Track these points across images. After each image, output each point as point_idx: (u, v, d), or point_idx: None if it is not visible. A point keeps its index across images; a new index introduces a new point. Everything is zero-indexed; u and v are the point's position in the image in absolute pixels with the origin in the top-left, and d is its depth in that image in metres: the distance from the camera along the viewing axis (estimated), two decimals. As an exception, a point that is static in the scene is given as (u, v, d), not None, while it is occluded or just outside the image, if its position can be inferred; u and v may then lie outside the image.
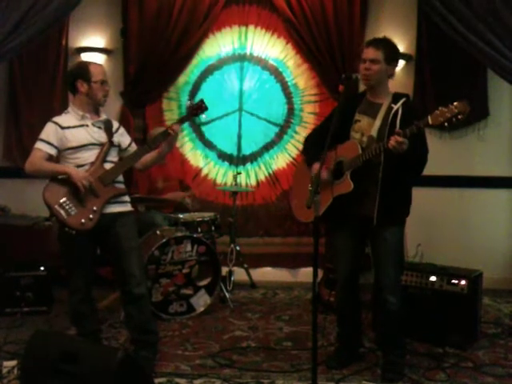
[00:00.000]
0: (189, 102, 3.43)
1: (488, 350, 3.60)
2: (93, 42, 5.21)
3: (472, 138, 5.08)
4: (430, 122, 2.78)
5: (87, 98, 3.15)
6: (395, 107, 3.06)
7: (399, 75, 5.07)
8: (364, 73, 3.08)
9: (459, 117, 2.73)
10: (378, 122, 3.07)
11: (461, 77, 4.92)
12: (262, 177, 5.33)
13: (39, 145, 3.09)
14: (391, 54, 3.11)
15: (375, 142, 3.01)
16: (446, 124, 2.75)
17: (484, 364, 3.38)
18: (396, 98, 3.11)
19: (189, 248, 4.23)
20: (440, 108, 2.76)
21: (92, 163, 3.11)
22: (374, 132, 3.07)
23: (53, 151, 3.10)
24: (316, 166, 3.12)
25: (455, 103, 2.73)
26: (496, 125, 5.05)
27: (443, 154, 4.99)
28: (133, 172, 4.51)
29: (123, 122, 4.60)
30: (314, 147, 3.23)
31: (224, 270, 4.61)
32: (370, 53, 3.07)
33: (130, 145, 3.34)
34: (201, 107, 3.31)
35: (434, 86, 4.96)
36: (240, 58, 5.27)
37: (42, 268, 4.26)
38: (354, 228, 3.19)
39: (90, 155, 3.12)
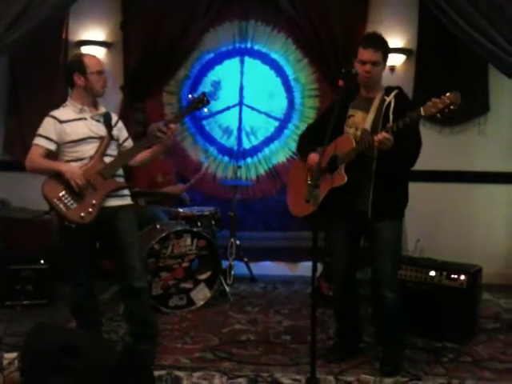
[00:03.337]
0: (190, 96, 3.38)
1: (487, 344, 3.61)
2: (93, 36, 5.20)
3: (472, 133, 5.08)
4: (423, 113, 2.78)
5: (85, 91, 3.13)
6: (388, 99, 3.06)
7: (400, 70, 5.07)
8: (365, 75, 3.05)
9: (451, 107, 2.73)
10: (371, 115, 3.08)
11: (462, 72, 4.91)
12: (261, 171, 5.34)
13: (38, 140, 3.08)
14: (387, 51, 3.12)
15: (369, 135, 3.02)
16: (438, 115, 2.75)
17: (483, 359, 3.39)
18: (388, 90, 3.12)
19: (189, 242, 4.23)
20: (432, 99, 2.76)
21: (91, 157, 3.10)
22: (367, 125, 3.08)
23: (52, 146, 3.08)
24: (312, 155, 3.13)
25: (447, 94, 2.74)
26: (496, 120, 5.05)
27: (443, 149, 5.00)
28: (132, 166, 4.49)
29: (123, 115, 4.60)
30: (309, 144, 3.24)
31: (224, 264, 4.62)
32: (370, 55, 3.02)
33: (126, 140, 3.32)
34: (202, 101, 3.23)
35: (435, 80, 4.93)
36: (240, 53, 5.26)
37: (42, 261, 4.28)
38: (350, 224, 3.19)
39: (89, 149, 3.10)
